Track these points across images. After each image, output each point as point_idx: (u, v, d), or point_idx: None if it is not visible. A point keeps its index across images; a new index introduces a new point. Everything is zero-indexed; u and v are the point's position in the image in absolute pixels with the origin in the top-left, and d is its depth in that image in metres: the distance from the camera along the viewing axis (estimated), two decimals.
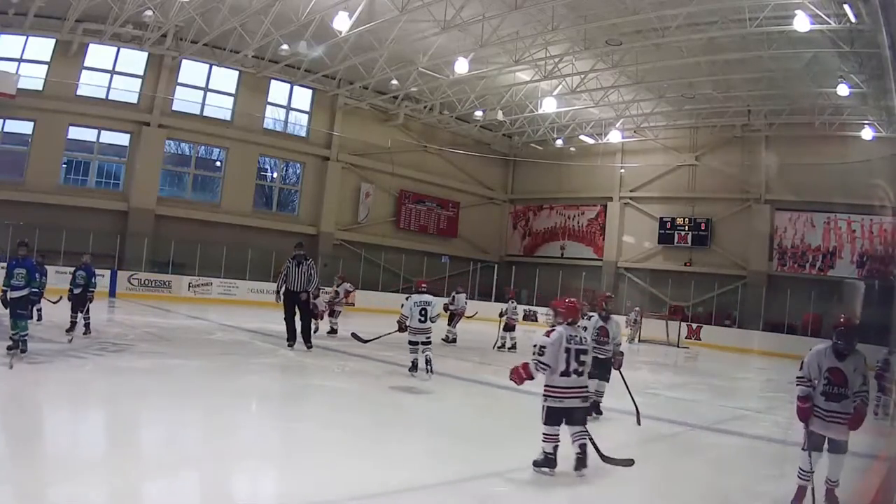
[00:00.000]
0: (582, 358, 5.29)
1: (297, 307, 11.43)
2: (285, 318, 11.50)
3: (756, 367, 18.42)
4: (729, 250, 27.12)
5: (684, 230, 28.17)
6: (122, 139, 23.31)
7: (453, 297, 16.41)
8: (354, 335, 10.87)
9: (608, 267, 30.20)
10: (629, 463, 5.36)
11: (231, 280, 23.00)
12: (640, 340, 22.89)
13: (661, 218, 28.84)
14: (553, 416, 5.23)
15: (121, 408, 6.42)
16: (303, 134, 27.47)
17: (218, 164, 26.27)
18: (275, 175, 28.15)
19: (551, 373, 5.22)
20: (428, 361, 9.23)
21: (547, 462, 5.24)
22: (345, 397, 8.38)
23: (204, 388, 7.79)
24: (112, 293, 20.09)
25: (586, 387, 5.45)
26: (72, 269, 11.11)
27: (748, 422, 8.87)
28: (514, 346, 14.74)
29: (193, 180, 25.71)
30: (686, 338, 23.58)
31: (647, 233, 29.44)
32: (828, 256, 24.89)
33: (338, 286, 15.68)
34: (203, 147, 25.70)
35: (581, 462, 5.22)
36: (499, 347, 14.88)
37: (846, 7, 14.76)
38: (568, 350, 5.22)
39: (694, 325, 24.66)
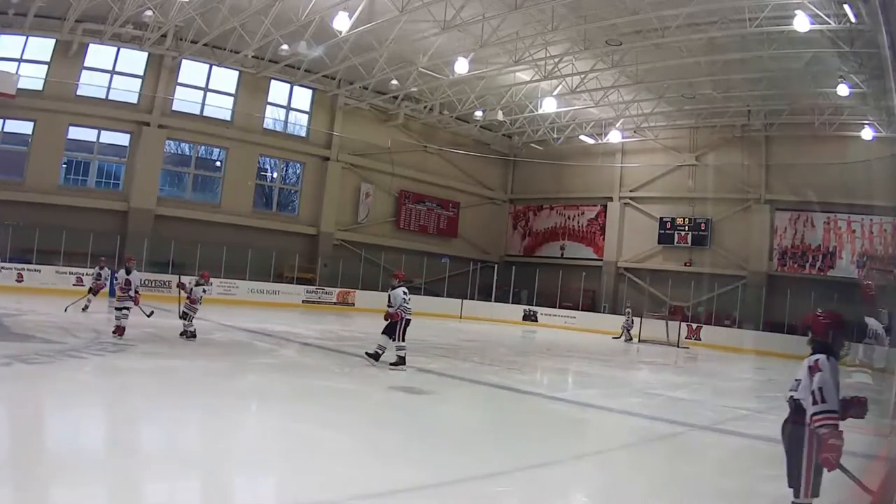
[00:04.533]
0: None
1: None
2: None
3: (756, 367, 18.41)
4: (729, 250, 27.12)
5: (684, 230, 28.17)
6: (122, 139, 23.32)
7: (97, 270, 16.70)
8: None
9: (608, 267, 30.20)
10: None
11: (231, 280, 22.97)
12: (626, 340, 23.43)
13: (661, 218, 28.84)
14: None
15: (121, 408, 6.42)
16: (303, 134, 27.47)
17: (218, 164, 26.27)
18: (275, 175, 28.14)
19: None
20: None
21: None
22: (344, 397, 8.38)
23: (204, 388, 7.79)
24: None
25: None
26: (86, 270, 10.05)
27: (748, 422, 8.86)
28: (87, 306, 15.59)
29: (193, 180, 25.70)
30: (686, 338, 23.58)
31: (647, 233, 29.45)
32: (828, 256, 24.89)
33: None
34: (203, 147, 25.70)
35: None
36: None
37: (846, 7, 14.77)
38: None
39: (694, 325, 24.66)
